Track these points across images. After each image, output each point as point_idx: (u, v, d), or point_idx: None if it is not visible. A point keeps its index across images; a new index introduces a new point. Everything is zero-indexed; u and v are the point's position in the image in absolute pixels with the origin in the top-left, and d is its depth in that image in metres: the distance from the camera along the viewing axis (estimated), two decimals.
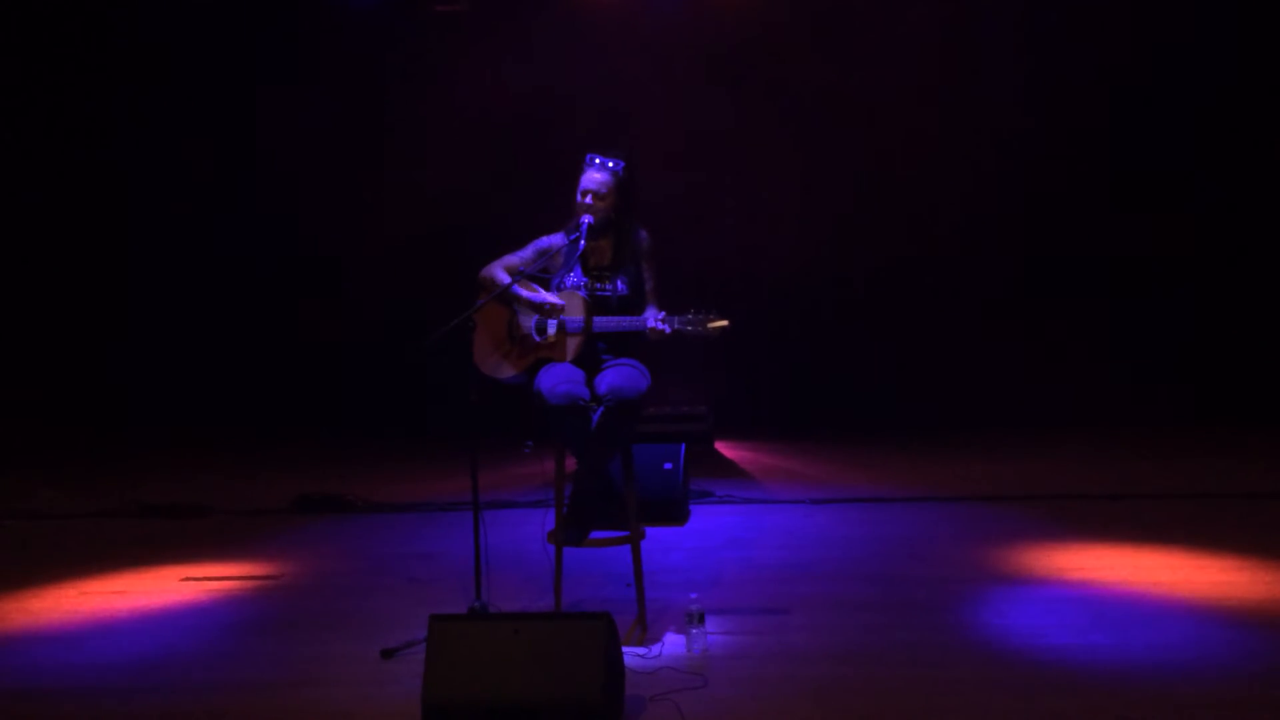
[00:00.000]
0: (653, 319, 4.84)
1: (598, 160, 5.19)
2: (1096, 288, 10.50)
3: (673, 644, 4.72)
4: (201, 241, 11.29)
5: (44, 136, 11.27)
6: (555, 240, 5.21)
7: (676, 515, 7.19)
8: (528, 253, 5.20)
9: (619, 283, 5.12)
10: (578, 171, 5.20)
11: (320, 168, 10.96)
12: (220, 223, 11.23)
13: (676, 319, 4.82)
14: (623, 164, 5.20)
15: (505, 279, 5.05)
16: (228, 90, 11.09)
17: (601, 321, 4.99)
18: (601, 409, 4.83)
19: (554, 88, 10.56)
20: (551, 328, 5.03)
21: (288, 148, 10.90)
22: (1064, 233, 10.58)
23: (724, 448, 9.74)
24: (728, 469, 9.06)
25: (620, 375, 4.89)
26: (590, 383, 4.97)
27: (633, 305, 5.11)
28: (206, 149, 11.16)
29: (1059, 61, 10.37)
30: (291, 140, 10.91)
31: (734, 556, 6.36)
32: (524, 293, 5.08)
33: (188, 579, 6.21)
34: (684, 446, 7.37)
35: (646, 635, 4.86)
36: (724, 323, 4.82)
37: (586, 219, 5.07)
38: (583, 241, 5.06)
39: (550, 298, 5.04)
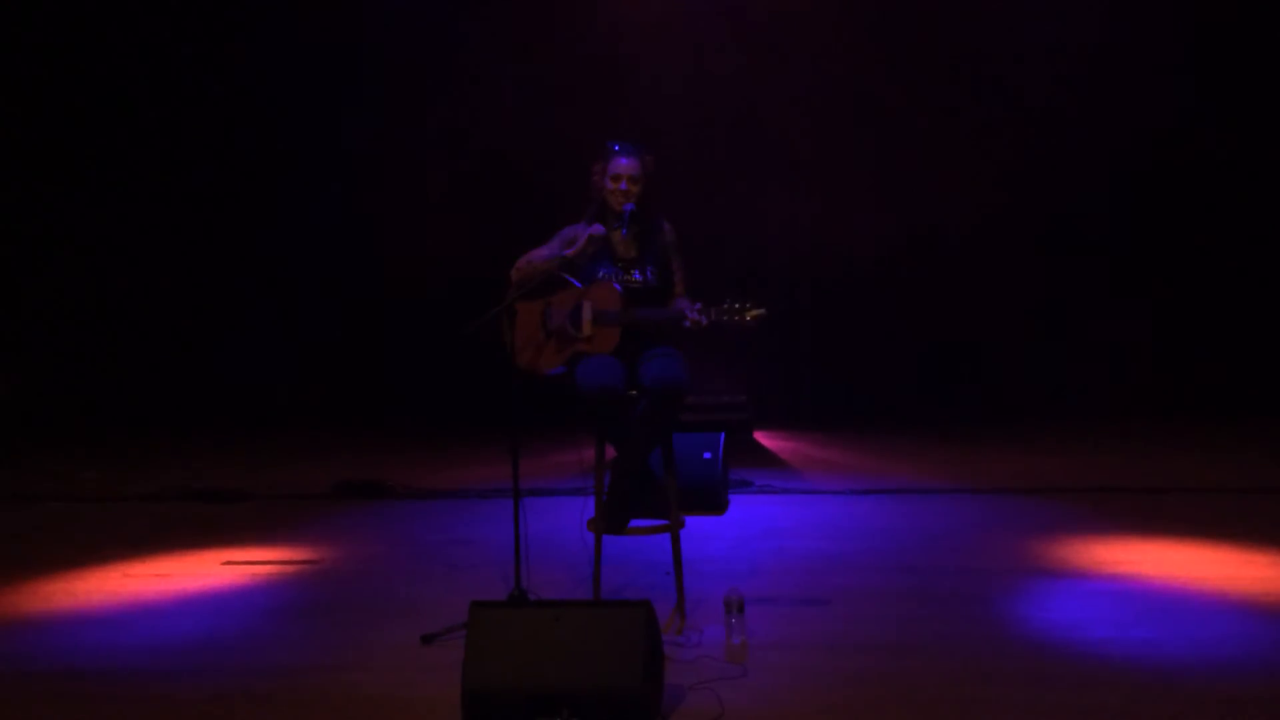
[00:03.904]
0: (690, 309, 4.80)
1: (623, 146, 5.16)
2: (1138, 279, 10.42)
3: (712, 633, 4.71)
4: (239, 240, 11.42)
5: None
6: (580, 230, 5.17)
7: (716, 504, 7.17)
8: (555, 244, 5.18)
9: (648, 272, 5.11)
10: (600, 160, 5.17)
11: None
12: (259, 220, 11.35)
13: (714, 309, 4.78)
14: (647, 148, 5.18)
15: (535, 274, 5.03)
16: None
17: (641, 313, 4.97)
18: (645, 400, 4.82)
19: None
20: (588, 320, 5.01)
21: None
22: (1104, 224, 10.50)
23: (763, 437, 9.72)
24: (767, 459, 9.04)
25: (663, 365, 4.87)
26: (630, 373, 4.95)
27: (663, 295, 5.11)
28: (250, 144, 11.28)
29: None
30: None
31: (773, 546, 6.35)
32: (560, 284, 5.07)
33: (229, 563, 6.26)
34: (723, 436, 7.35)
35: (686, 624, 4.85)
36: (761, 311, 4.78)
37: (629, 206, 5.06)
38: (625, 230, 5.05)
39: (584, 290, 5.03)
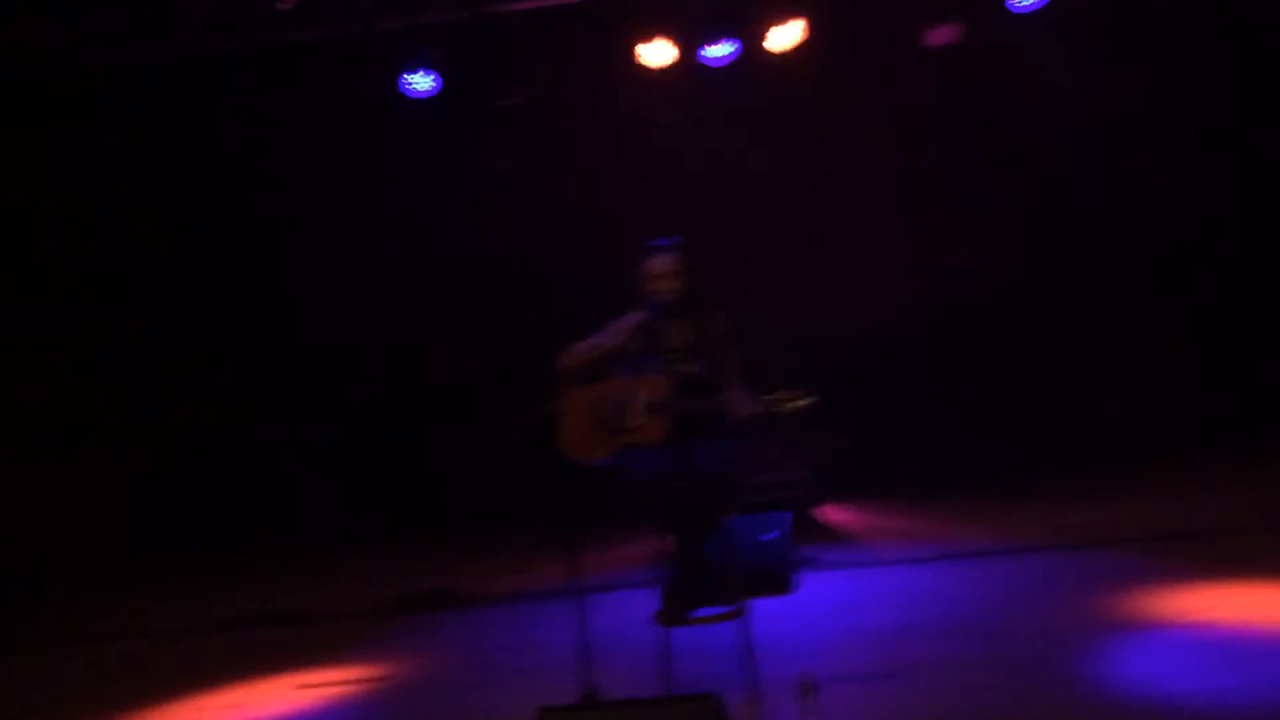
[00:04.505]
0: (738, 400, 4.83)
1: (657, 244, 5.26)
2: (1181, 320, 10.37)
3: (786, 717, 4.66)
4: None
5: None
6: (630, 322, 5.24)
7: (782, 585, 7.11)
8: (605, 337, 5.23)
9: (699, 362, 5.13)
10: (643, 261, 5.27)
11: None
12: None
13: (763, 400, 4.80)
14: (679, 239, 5.25)
15: (584, 364, 5.08)
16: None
17: (689, 403, 4.99)
18: (696, 488, 4.82)
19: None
20: (637, 410, 5.03)
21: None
22: (1143, 268, 10.47)
23: (828, 511, 9.65)
24: (831, 534, 8.97)
25: (710, 454, 4.88)
26: (680, 462, 4.96)
27: (714, 383, 5.12)
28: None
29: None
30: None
31: (844, 623, 6.27)
32: (609, 376, 5.10)
33: (304, 687, 6.26)
34: (787, 514, 7.29)
35: (760, 710, 4.80)
36: (811, 399, 4.79)
37: (659, 299, 5.11)
38: (658, 322, 5.09)
39: (634, 380, 5.06)
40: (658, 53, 9.42)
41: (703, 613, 5.02)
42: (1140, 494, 8.93)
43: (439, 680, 6.15)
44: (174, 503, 11.61)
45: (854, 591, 7.04)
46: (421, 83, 9.42)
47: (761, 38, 9.28)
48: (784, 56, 9.41)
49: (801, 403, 4.77)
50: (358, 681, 6.26)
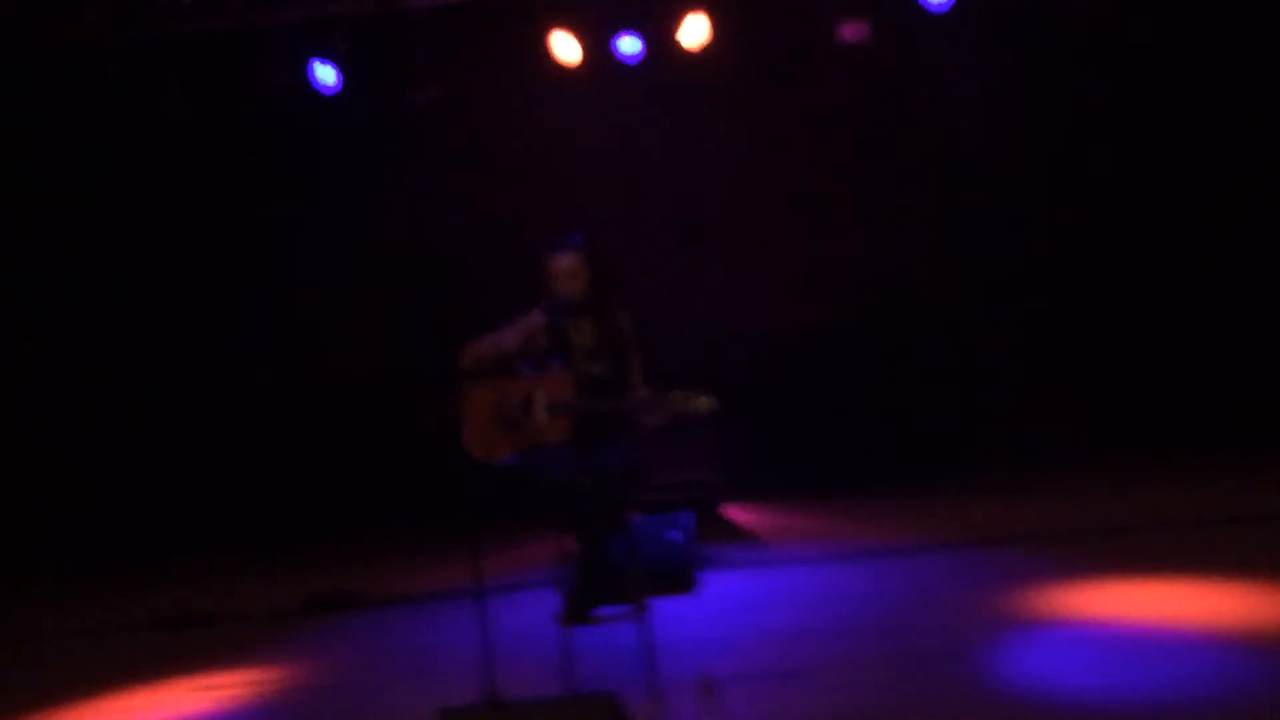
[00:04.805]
0: (641, 401, 4.83)
1: (561, 243, 5.24)
2: (1094, 318, 10.52)
3: (686, 716, 4.66)
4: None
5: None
6: (534, 320, 5.23)
7: (685, 584, 7.12)
8: (508, 334, 5.21)
9: (604, 362, 5.13)
10: (548, 259, 5.25)
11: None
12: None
13: (663, 399, 4.80)
14: (580, 238, 5.24)
15: (486, 361, 5.06)
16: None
17: (592, 403, 4.98)
18: (598, 488, 4.81)
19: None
20: (541, 410, 5.01)
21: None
22: (1056, 267, 10.61)
23: (731, 511, 9.68)
24: (736, 533, 9.00)
25: (613, 454, 4.88)
26: (583, 462, 4.95)
27: (619, 384, 5.12)
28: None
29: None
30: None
31: (744, 622, 6.30)
32: (512, 374, 5.08)
33: (199, 689, 6.16)
34: (691, 514, 7.31)
35: (660, 710, 4.80)
36: (710, 403, 4.81)
37: (563, 298, 5.10)
38: (562, 321, 5.08)
39: (537, 379, 5.05)
40: (568, 48, 9.41)
41: (605, 612, 5.01)
42: (1046, 492, 9.06)
43: (340, 681, 6.08)
44: (79, 503, 11.36)
45: (756, 591, 7.07)
46: (327, 76, 9.32)
47: (673, 33, 9.30)
48: (695, 53, 9.45)
49: (703, 404, 4.78)
50: (259, 683, 6.18)
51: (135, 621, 8.09)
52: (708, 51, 9.44)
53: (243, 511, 11.07)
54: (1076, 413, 10.33)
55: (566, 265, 5.18)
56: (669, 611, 6.51)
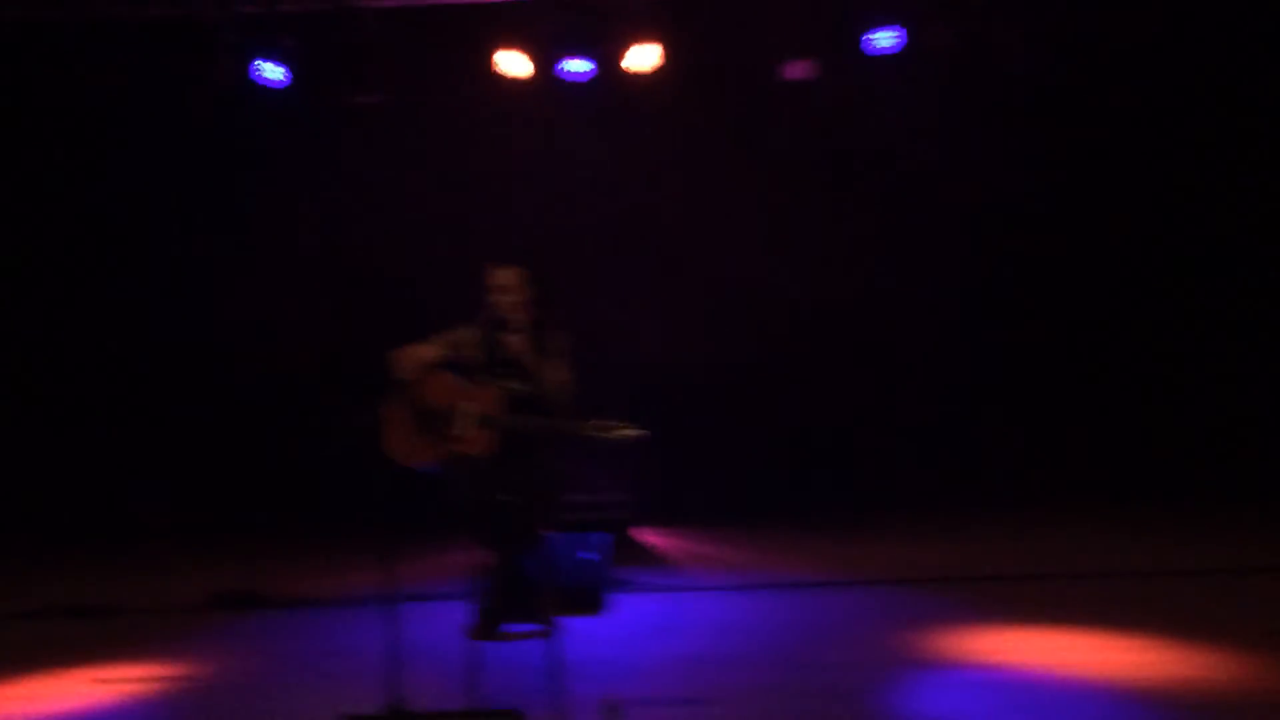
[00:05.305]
0: (565, 423, 4.87)
1: (503, 257, 5.28)
2: (1023, 364, 10.71)
3: None
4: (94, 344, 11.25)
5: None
6: (468, 333, 5.25)
7: (595, 605, 7.15)
8: (442, 344, 5.22)
9: (534, 379, 5.16)
10: (487, 272, 5.28)
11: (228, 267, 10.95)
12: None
13: (589, 425, 4.84)
14: (525, 254, 5.29)
15: (417, 368, 5.07)
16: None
17: (517, 420, 5.00)
18: (517, 503, 4.83)
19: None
20: (466, 421, 5.03)
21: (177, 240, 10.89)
22: (991, 308, 10.79)
23: (646, 535, 9.72)
24: (649, 557, 9.04)
25: (534, 472, 4.91)
26: (504, 477, 4.97)
27: (547, 402, 5.15)
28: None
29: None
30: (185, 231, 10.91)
31: (654, 646, 6.33)
32: (439, 383, 5.09)
33: (99, 681, 6.08)
34: (606, 535, 7.35)
35: None
36: (634, 432, 4.85)
37: (500, 312, 5.12)
38: (497, 335, 5.10)
39: (466, 390, 5.06)
40: (516, 64, 9.43)
41: (515, 628, 5.03)
42: (964, 536, 9.22)
43: (242, 681, 6.03)
44: None
45: (667, 615, 7.11)
46: (273, 73, 9.27)
47: (619, 58, 9.36)
48: (642, 78, 9.51)
49: (629, 433, 4.83)
50: (159, 679, 6.10)
51: (40, 610, 7.96)
52: (655, 77, 9.52)
53: (153, 505, 10.95)
54: (1006, 457, 10.50)
55: (506, 279, 5.20)
56: (578, 631, 6.53)
